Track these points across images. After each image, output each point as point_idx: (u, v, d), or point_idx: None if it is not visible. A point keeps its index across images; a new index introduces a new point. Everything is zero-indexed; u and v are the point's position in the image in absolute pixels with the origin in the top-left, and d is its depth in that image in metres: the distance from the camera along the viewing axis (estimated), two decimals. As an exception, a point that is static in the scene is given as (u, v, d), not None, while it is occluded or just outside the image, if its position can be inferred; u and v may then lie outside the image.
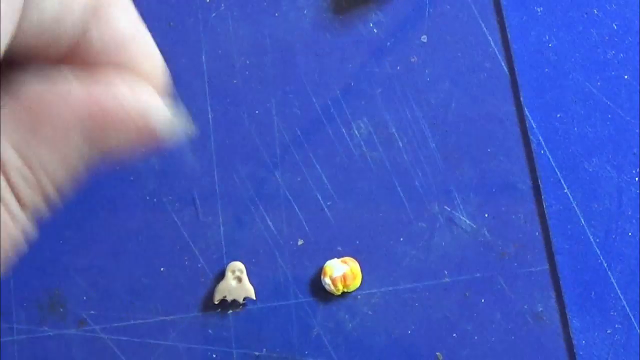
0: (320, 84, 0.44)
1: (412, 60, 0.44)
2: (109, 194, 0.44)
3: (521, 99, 0.44)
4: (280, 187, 0.44)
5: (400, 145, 0.44)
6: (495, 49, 0.44)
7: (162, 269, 0.44)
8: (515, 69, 0.44)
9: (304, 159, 0.44)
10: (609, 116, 0.44)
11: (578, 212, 0.43)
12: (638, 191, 0.43)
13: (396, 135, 0.44)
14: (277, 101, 0.44)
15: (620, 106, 0.44)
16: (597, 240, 0.43)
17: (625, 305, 0.43)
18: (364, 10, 0.45)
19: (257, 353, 0.43)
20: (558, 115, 0.44)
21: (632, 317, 0.43)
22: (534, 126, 0.44)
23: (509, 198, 0.44)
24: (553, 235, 0.43)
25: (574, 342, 0.43)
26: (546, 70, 0.44)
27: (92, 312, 0.43)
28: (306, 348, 0.43)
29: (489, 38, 0.45)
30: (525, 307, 0.43)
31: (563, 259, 0.43)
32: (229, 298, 0.43)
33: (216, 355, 0.43)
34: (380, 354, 0.43)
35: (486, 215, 0.43)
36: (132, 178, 0.44)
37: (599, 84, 0.44)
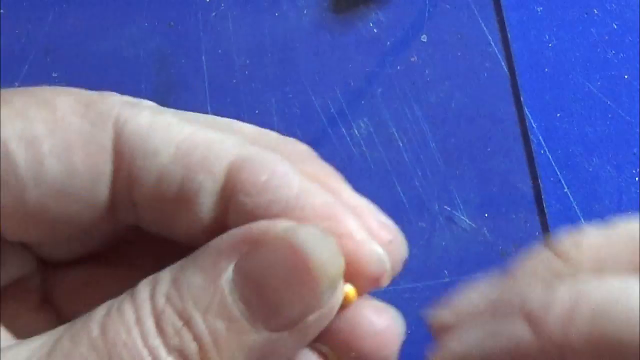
0: (320, 84, 0.44)
1: (412, 60, 0.44)
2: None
3: (521, 99, 0.44)
4: (280, 187, 0.44)
5: (400, 145, 0.44)
6: (495, 49, 0.44)
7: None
8: (515, 69, 0.44)
9: (304, 159, 0.44)
10: (609, 116, 0.44)
11: (578, 212, 0.43)
12: (638, 191, 0.43)
13: (396, 135, 0.44)
14: (277, 101, 0.44)
15: (620, 106, 0.44)
16: (597, 240, 0.43)
17: (625, 305, 0.43)
18: (364, 10, 0.45)
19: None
20: (558, 115, 0.44)
21: (632, 317, 0.42)
22: (534, 126, 0.44)
23: (509, 198, 0.44)
24: (553, 235, 0.43)
25: (574, 342, 0.43)
26: (546, 70, 0.44)
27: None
28: (306, 348, 0.43)
29: (489, 38, 0.44)
30: (525, 307, 0.43)
31: (563, 259, 0.43)
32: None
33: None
34: (380, 354, 0.43)
35: (486, 215, 0.43)
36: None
37: (599, 83, 0.44)
